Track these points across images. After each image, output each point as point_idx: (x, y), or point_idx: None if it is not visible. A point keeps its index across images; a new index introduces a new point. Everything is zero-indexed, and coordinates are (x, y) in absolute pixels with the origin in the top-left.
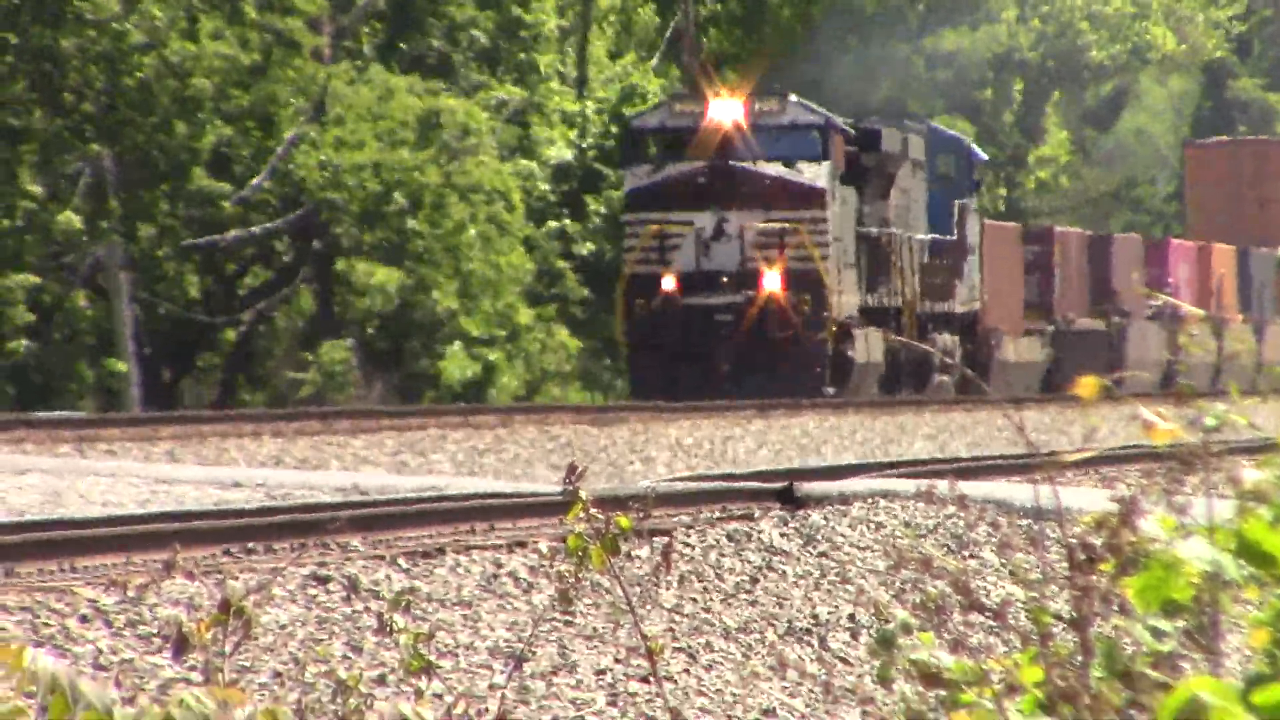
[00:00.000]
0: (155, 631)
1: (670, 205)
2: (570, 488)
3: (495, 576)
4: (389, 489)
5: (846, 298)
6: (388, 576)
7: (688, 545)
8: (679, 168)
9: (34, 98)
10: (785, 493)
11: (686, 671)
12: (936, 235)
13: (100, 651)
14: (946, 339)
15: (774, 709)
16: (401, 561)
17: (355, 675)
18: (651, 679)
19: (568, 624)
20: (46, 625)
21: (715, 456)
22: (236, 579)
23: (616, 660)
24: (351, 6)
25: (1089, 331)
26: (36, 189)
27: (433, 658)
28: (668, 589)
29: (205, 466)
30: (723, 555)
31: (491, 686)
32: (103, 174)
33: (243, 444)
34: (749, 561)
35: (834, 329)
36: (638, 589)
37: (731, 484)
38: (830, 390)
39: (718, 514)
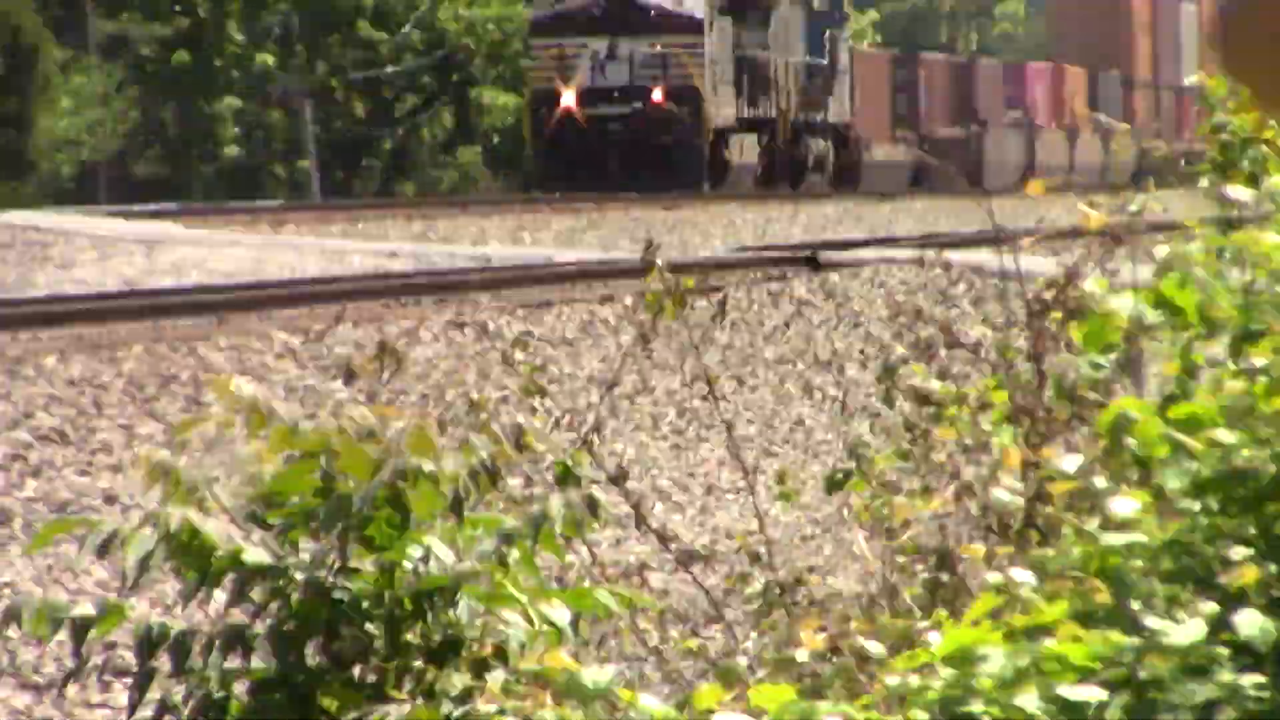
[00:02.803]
0: (331, 365)
1: (569, 32)
2: (649, 257)
3: (590, 323)
4: (510, 258)
5: (723, 110)
6: (508, 323)
7: (738, 299)
8: (578, 1)
9: None
10: (811, 260)
11: (736, 393)
12: (811, 59)
13: (290, 380)
14: (820, 143)
15: (803, 420)
16: (520, 312)
17: (484, 397)
18: (710, 398)
19: (647, 358)
20: (249, 360)
21: (758, 233)
22: (392, 325)
23: (684, 385)
24: None
25: (950, 139)
26: (240, 37)
27: (544, 384)
28: (722, 332)
29: (369, 241)
30: (764, 307)
31: (589, 405)
32: (290, 25)
33: (397, 224)
34: (784, 311)
35: (710, 135)
36: (699, 332)
37: (771, 254)
38: (707, 186)
39: (760, 276)
